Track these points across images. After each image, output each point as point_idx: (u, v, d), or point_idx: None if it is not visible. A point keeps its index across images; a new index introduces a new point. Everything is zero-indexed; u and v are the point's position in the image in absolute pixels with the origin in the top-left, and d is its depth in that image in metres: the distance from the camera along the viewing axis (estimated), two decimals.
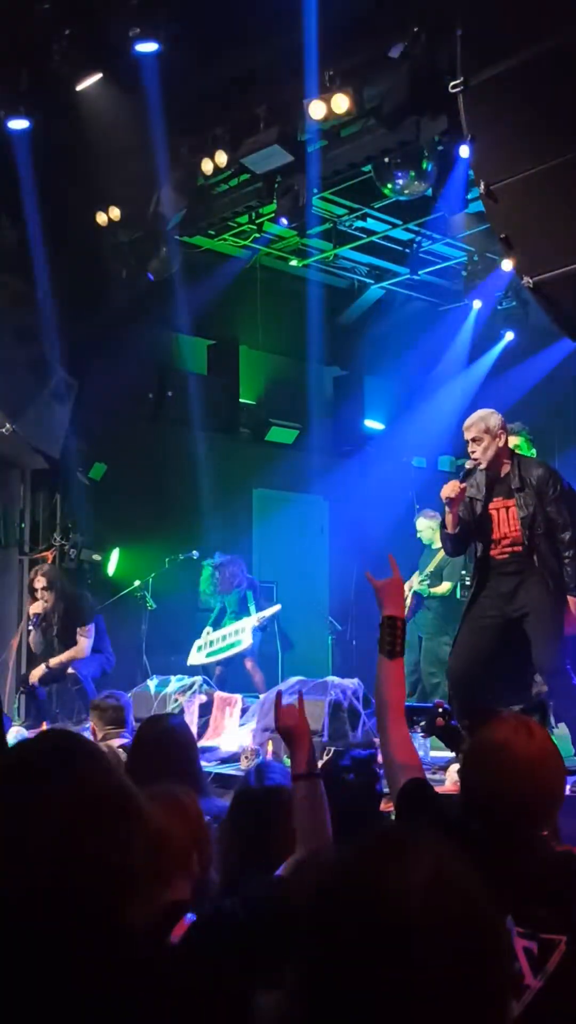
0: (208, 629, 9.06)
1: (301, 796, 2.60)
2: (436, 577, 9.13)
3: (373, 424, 11.78)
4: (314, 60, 6.60)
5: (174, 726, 3.76)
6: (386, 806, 3.75)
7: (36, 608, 8.12)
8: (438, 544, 9.27)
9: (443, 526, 5.81)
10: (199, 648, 8.87)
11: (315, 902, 1.21)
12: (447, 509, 5.69)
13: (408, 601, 9.37)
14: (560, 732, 6.05)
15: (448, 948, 1.12)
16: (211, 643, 8.91)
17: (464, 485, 5.65)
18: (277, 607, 8.80)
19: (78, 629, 8.09)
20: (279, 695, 2.87)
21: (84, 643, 8.09)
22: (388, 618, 2.78)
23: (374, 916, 1.13)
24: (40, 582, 8.13)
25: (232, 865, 2.66)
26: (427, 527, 9.33)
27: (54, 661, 8.10)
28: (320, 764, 3.21)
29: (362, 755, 3.51)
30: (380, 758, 2.82)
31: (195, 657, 8.85)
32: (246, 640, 8.62)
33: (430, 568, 9.10)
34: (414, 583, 9.22)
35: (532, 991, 1.92)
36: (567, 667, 5.56)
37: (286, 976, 1.85)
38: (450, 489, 5.60)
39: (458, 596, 9.45)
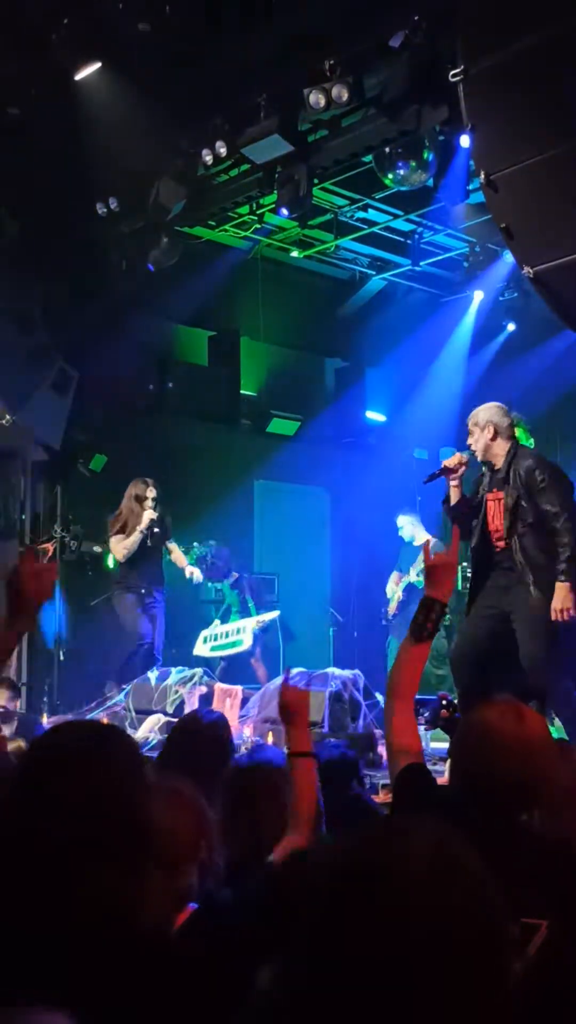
0: (216, 621, 9.11)
1: (295, 773, 2.62)
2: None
3: (375, 415, 11.78)
4: (314, 49, 6.59)
5: (210, 724, 3.70)
6: (384, 796, 3.77)
7: (152, 515, 8.26)
8: (420, 540, 9.36)
9: (446, 500, 5.88)
10: (204, 639, 8.90)
11: (318, 884, 1.22)
12: (449, 482, 5.77)
13: (399, 595, 9.42)
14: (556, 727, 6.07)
15: (450, 929, 1.13)
16: (215, 636, 8.95)
17: (466, 459, 5.72)
18: (275, 613, 8.87)
19: (169, 543, 8.54)
20: (287, 674, 2.88)
21: (178, 551, 8.62)
22: (428, 598, 2.71)
23: (376, 897, 1.15)
24: (152, 492, 8.34)
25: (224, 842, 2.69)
26: (407, 523, 9.43)
27: (189, 568, 8.56)
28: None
29: (338, 745, 3.56)
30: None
31: (200, 648, 8.88)
32: (246, 642, 8.68)
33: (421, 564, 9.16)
34: (411, 576, 9.29)
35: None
36: (551, 667, 5.54)
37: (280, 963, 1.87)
38: (451, 460, 5.71)
39: (458, 587, 9.49)
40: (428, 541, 2.97)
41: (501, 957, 1.17)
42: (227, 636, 8.87)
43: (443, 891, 1.15)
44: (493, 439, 5.70)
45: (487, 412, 5.71)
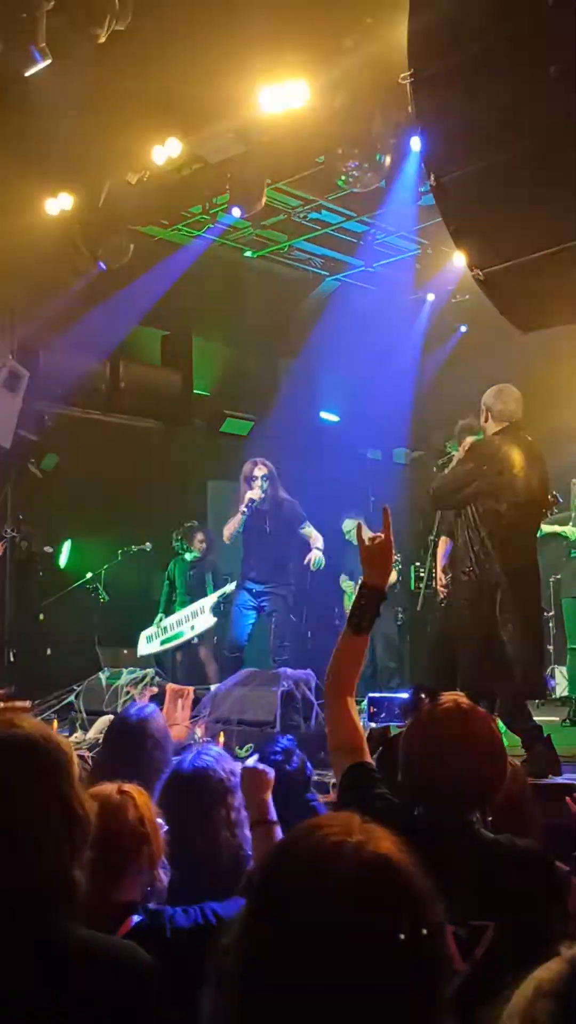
0: (160, 616, 9.03)
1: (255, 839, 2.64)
2: None
3: (328, 416, 11.80)
4: (267, 49, 6.59)
5: (143, 720, 3.67)
6: (325, 799, 3.77)
7: (254, 494, 7.96)
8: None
9: None
10: (148, 639, 8.85)
11: (255, 879, 1.23)
12: None
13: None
14: None
15: (377, 921, 1.13)
16: (165, 629, 8.91)
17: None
18: (233, 584, 8.82)
19: (304, 527, 8.15)
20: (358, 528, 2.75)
21: (317, 534, 8.19)
22: (368, 586, 2.58)
23: (304, 891, 1.15)
24: (261, 470, 8.09)
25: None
26: (355, 527, 9.50)
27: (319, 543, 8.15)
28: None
29: (290, 744, 3.54)
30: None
31: (144, 647, 8.82)
32: (207, 620, 8.66)
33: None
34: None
35: (461, 976, 1.96)
36: (485, 672, 5.61)
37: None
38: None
39: (411, 587, 9.56)
40: (359, 525, 2.83)
41: (432, 959, 1.17)
42: (179, 624, 8.84)
43: (369, 893, 1.15)
44: (485, 420, 5.79)
45: (485, 394, 5.82)
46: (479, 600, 5.50)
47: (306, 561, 8.15)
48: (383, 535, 2.63)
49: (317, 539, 8.18)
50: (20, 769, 1.65)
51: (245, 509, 7.88)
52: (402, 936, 1.13)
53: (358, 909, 1.13)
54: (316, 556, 8.09)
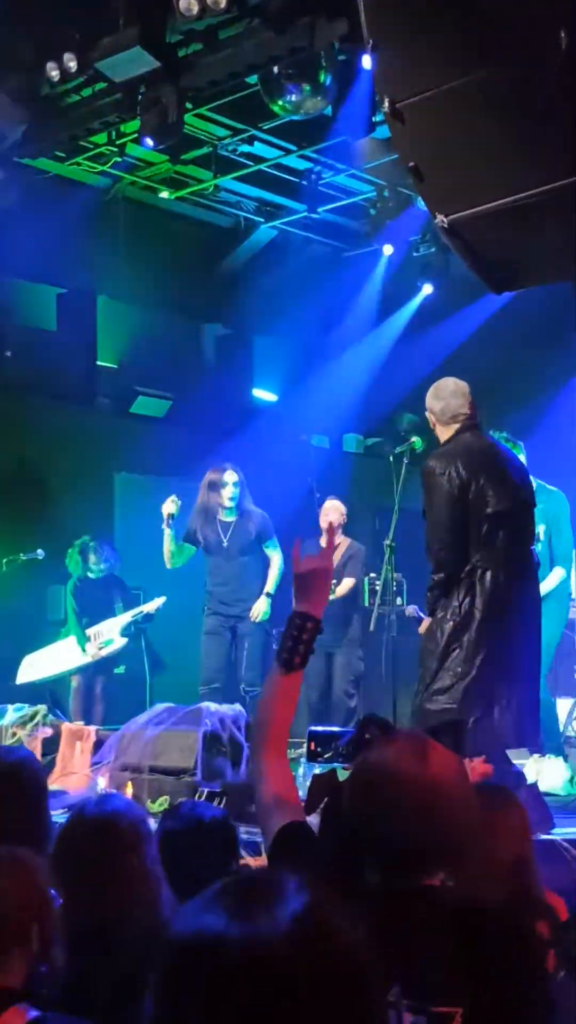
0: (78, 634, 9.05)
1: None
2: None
3: (263, 394, 11.82)
4: None
5: (16, 763, 3.69)
6: (255, 861, 3.78)
7: (227, 496, 8.25)
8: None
9: None
10: (33, 664, 8.84)
11: (169, 947, 1.22)
12: None
13: None
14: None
15: (315, 996, 1.13)
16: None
17: None
18: (161, 599, 8.81)
19: (268, 545, 8.44)
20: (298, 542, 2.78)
21: (279, 560, 8.38)
22: (297, 614, 2.59)
23: (234, 963, 1.14)
24: (233, 476, 8.31)
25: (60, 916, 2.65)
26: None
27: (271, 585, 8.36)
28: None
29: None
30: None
31: (26, 674, 8.79)
32: (118, 640, 8.82)
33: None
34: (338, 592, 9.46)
35: None
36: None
37: None
38: None
39: (364, 602, 9.57)
40: (298, 542, 2.83)
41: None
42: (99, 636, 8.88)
43: (309, 951, 1.15)
44: (433, 427, 5.93)
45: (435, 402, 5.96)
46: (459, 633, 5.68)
47: (252, 615, 8.33)
48: (324, 557, 2.68)
49: (275, 566, 8.40)
50: None
51: (167, 527, 8.15)
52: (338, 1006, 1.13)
53: (288, 983, 1.13)
54: (259, 609, 8.32)
